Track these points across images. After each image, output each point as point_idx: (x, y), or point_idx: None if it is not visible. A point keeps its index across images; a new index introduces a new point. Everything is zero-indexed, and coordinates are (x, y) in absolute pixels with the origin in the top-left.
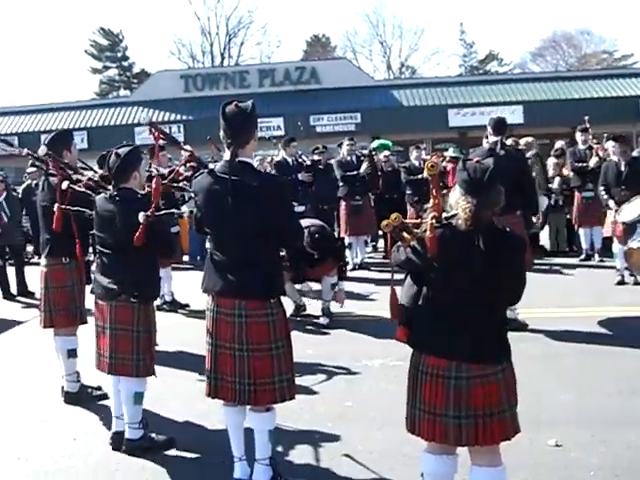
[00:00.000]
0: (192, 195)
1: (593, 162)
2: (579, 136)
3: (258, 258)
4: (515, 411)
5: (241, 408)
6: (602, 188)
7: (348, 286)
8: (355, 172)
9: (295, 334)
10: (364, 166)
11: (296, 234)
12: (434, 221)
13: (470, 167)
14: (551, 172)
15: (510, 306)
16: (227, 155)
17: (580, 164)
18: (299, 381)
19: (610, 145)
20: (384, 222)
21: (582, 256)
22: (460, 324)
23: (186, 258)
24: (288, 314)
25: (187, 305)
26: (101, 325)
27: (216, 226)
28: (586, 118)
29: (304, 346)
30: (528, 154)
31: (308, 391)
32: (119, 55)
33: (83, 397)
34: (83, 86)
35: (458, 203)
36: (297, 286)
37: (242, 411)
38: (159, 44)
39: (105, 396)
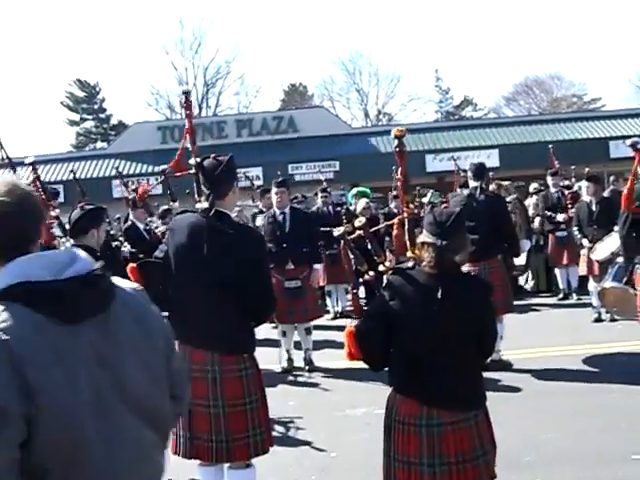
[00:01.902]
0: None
1: (561, 217)
2: (550, 180)
3: (229, 311)
4: (489, 457)
5: (218, 467)
6: (575, 228)
7: (329, 335)
8: (329, 229)
9: (277, 386)
10: (337, 231)
11: (266, 295)
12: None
13: (436, 211)
14: (531, 212)
15: (486, 354)
16: (205, 204)
17: (549, 213)
18: (282, 434)
19: (584, 185)
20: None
21: (560, 295)
22: (431, 369)
23: None
24: (279, 368)
25: None
26: None
27: (188, 273)
28: (553, 158)
29: (286, 397)
30: (509, 198)
31: (291, 444)
32: (96, 107)
33: None
34: (59, 138)
35: (423, 246)
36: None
37: (220, 470)
38: (136, 95)
39: None
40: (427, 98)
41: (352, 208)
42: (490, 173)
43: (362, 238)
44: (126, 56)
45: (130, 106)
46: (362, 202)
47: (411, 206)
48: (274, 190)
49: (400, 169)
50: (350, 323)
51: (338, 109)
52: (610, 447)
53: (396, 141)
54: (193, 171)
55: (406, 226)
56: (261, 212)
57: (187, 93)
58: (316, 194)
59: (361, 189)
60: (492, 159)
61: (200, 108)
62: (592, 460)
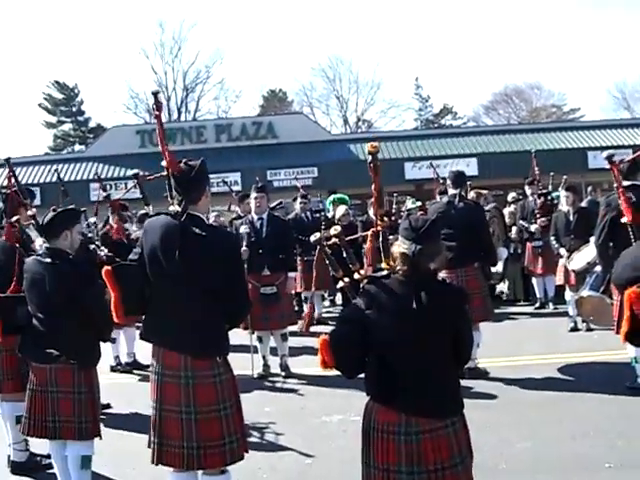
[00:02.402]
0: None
1: (533, 228)
2: (527, 189)
3: (202, 313)
4: (469, 463)
5: (191, 473)
6: (553, 237)
7: (306, 341)
8: (305, 237)
9: (253, 392)
10: (314, 237)
11: (240, 298)
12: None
13: (413, 217)
14: (508, 221)
15: (462, 361)
16: (177, 208)
17: (523, 223)
18: (257, 440)
19: (563, 194)
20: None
21: (537, 304)
22: (407, 376)
23: None
24: (256, 374)
25: (149, 366)
26: (39, 389)
27: (161, 275)
28: (535, 169)
29: (262, 404)
30: (487, 207)
31: (266, 450)
32: (74, 109)
33: (32, 466)
34: (37, 141)
35: (398, 251)
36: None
37: (192, 476)
38: (115, 99)
39: None
40: (407, 106)
41: (330, 215)
42: (469, 182)
43: (338, 246)
44: (105, 59)
45: (109, 109)
46: (341, 209)
47: (385, 219)
48: (253, 195)
49: (374, 184)
50: (325, 332)
51: (317, 115)
52: (584, 456)
53: (370, 157)
54: (165, 173)
55: (380, 238)
56: (239, 217)
57: (156, 94)
58: (295, 199)
59: (339, 196)
60: (471, 167)
61: (179, 112)
62: (566, 469)
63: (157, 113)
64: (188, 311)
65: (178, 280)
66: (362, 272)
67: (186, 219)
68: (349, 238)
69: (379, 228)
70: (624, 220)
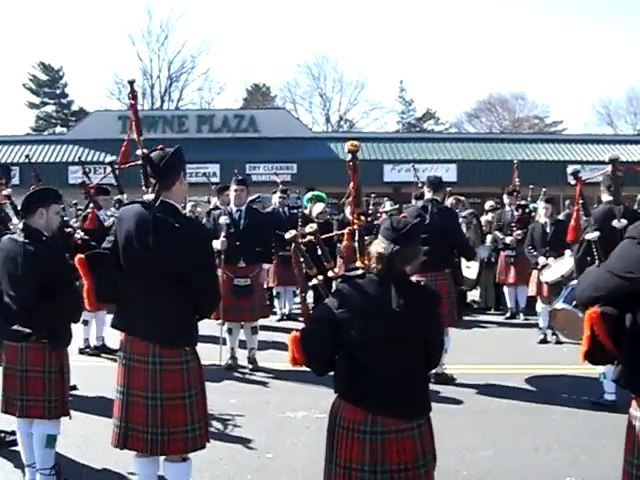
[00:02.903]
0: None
1: (508, 240)
2: (505, 198)
3: (173, 303)
4: (431, 467)
5: (154, 458)
6: (529, 247)
7: (275, 336)
8: (282, 232)
9: (219, 383)
10: (289, 234)
11: (210, 289)
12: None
13: (395, 218)
14: (484, 229)
15: (432, 364)
16: (150, 196)
17: (499, 234)
18: (220, 430)
19: (541, 206)
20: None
21: (507, 314)
22: (377, 376)
23: None
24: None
25: (117, 351)
26: (10, 367)
27: (132, 263)
28: (516, 179)
29: (227, 395)
30: (464, 213)
31: (229, 441)
32: (58, 92)
33: None
34: (19, 120)
35: (375, 250)
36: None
37: (155, 461)
38: (99, 83)
39: None
40: (390, 108)
41: (307, 212)
42: (448, 188)
43: (313, 244)
44: (92, 43)
45: (92, 93)
46: (319, 206)
47: (362, 218)
48: (233, 187)
49: (352, 183)
50: (296, 329)
51: (300, 112)
52: (546, 467)
53: (350, 155)
54: (140, 162)
55: (356, 237)
56: (217, 208)
57: (132, 83)
58: (274, 193)
59: (317, 193)
60: (450, 174)
61: (162, 101)
62: (525, 478)
63: (132, 102)
64: (159, 301)
65: (150, 269)
66: (336, 270)
67: (159, 207)
68: (324, 236)
69: (355, 227)
70: (617, 224)
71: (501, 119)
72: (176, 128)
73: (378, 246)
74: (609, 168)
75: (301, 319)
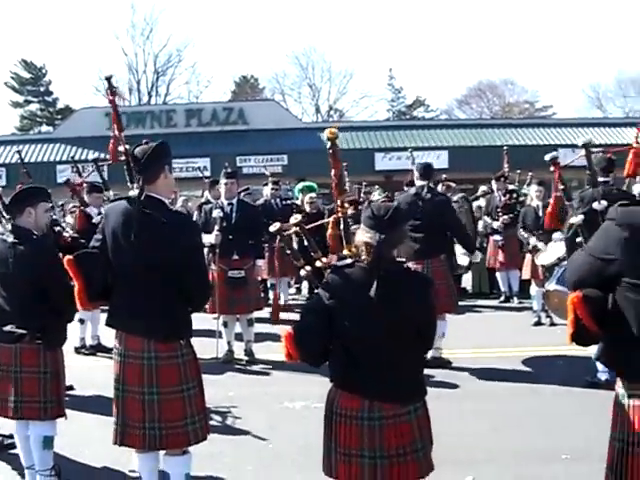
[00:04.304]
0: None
1: (496, 225)
2: (494, 184)
3: (164, 297)
4: (429, 450)
5: (154, 453)
6: (521, 231)
7: (271, 328)
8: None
9: (217, 376)
10: (273, 227)
11: (200, 282)
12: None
13: (374, 205)
14: (476, 214)
15: (426, 349)
16: (135, 191)
17: (487, 219)
18: (220, 424)
19: (534, 189)
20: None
21: (501, 298)
22: (372, 364)
23: None
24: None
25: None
26: (4, 369)
27: (121, 259)
28: (505, 166)
29: (225, 388)
30: (455, 197)
31: (229, 434)
32: (42, 89)
33: None
34: (3, 120)
35: (361, 240)
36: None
37: (155, 456)
38: (84, 80)
39: None
40: (379, 96)
41: (299, 202)
42: (443, 175)
43: (298, 235)
44: (75, 39)
45: (77, 91)
46: (308, 195)
47: (346, 206)
48: (223, 181)
49: (334, 170)
50: (291, 320)
51: (289, 103)
52: (542, 447)
53: (329, 142)
54: (123, 158)
55: (341, 225)
56: (208, 202)
57: (109, 79)
58: (266, 184)
59: (307, 183)
60: (441, 160)
61: (150, 96)
62: (523, 459)
63: (111, 98)
64: (150, 296)
65: (138, 265)
66: (324, 260)
67: (144, 202)
68: (310, 226)
69: (340, 215)
70: (597, 206)
71: (491, 105)
72: (164, 123)
73: (363, 236)
74: (583, 152)
75: (297, 310)
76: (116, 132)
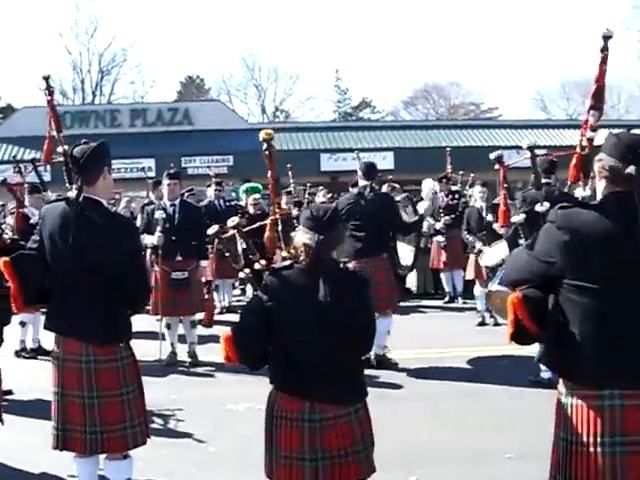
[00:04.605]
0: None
1: (438, 226)
2: (437, 185)
3: (105, 300)
4: (370, 451)
5: (93, 457)
6: (465, 232)
7: (215, 330)
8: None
9: (160, 379)
10: (212, 229)
11: (139, 283)
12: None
13: (313, 207)
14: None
15: (365, 349)
16: (73, 192)
17: (430, 220)
18: (163, 427)
19: (477, 190)
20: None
21: (446, 298)
22: (311, 366)
23: None
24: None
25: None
26: None
27: (58, 261)
28: (448, 167)
29: (168, 391)
30: (399, 197)
31: (172, 437)
32: None
33: None
34: None
35: (300, 241)
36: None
37: (95, 460)
38: (27, 78)
39: None
40: (325, 97)
41: (243, 203)
42: (389, 176)
43: (243, 236)
44: (17, 36)
45: (20, 89)
46: (252, 197)
47: (283, 207)
48: (166, 182)
49: (270, 172)
50: (232, 322)
51: (235, 104)
52: (486, 447)
53: (265, 144)
54: (62, 159)
55: (279, 227)
56: (151, 203)
57: (47, 78)
58: (209, 185)
59: (252, 185)
60: (387, 161)
61: (94, 95)
62: (468, 459)
63: (49, 98)
64: (88, 299)
65: (76, 267)
66: (263, 262)
67: (83, 203)
68: (248, 228)
69: (277, 216)
70: (539, 208)
71: (437, 106)
72: (109, 123)
73: (302, 237)
74: (528, 154)
75: (240, 312)
76: (54, 132)
